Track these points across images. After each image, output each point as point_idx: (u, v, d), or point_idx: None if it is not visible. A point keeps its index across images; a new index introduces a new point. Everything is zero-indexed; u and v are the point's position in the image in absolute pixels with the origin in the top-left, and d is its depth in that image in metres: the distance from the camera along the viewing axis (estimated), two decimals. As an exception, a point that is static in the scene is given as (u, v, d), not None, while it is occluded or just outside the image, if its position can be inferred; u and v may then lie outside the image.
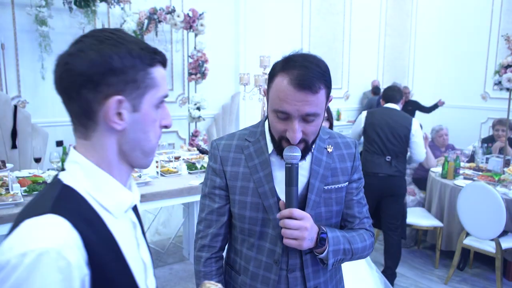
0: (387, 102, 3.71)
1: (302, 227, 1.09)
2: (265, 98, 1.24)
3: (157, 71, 0.83)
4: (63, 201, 0.75)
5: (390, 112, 3.61)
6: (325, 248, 1.16)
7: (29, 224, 0.70)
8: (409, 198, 4.38)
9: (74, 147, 0.83)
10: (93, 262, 0.72)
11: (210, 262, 1.29)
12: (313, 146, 1.23)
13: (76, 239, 0.71)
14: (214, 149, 1.27)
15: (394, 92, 3.73)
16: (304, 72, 1.05)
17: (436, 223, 3.92)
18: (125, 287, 0.82)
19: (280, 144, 1.15)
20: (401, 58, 8.51)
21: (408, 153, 3.69)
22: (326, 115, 3.10)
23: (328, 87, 1.10)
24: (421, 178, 4.62)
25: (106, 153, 0.81)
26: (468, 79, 8.05)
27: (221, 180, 1.25)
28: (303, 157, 1.15)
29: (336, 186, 1.25)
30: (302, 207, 1.19)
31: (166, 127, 0.87)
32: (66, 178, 0.79)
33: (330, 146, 1.26)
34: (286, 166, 1.12)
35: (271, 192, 1.19)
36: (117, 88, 0.77)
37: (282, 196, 1.20)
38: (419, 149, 3.53)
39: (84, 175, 0.79)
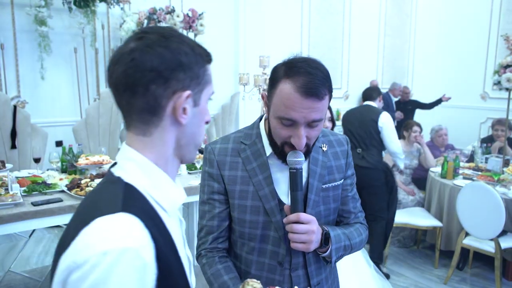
0: (365, 100, 4.05)
1: (309, 231, 1.10)
2: (263, 101, 1.22)
3: (210, 69, 0.87)
4: (131, 199, 0.74)
5: (363, 108, 3.97)
6: (328, 247, 1.18)
7: (103, 222, 0.69)
8: (408, 198, 4.39)
9: (128, 144, 0.82)
10: (160, 261, 0.72)
11: (212, 261, 1.26)
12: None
13: (148, 238, 0.70)
14: (210, 153, 1.24)
15: (370, 91, 4.06)
16: (310, 79, 1.04)
17: (435, 223, 3.93)
18: (182, 285, 0.82)
19: (282, 149, 1.14)
20: (401, 58, 8.51)
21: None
22: (329, 115, 3.16)
23: (331, 92, 1.11)
24: (421, 178, 4.63)
25: (165, 148, 0.81)
26: (468, 79, 8.05)
27: (219, 185, 1.24)
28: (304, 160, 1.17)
29: (333, 184, 1.26)
30: (303, 207, 1.20)
31: (207, 122, 0.90)
32: (125, 176, 0.78)
33: (324, 144, 1.27)
34: (291, 172, 1.12)
35: (272, 195, 1.19)
36: (184, 83, 0.79)
37: (283, 197, 1.21)
38: (387, 141, 3.72)
39: (142, 173, 0.79)
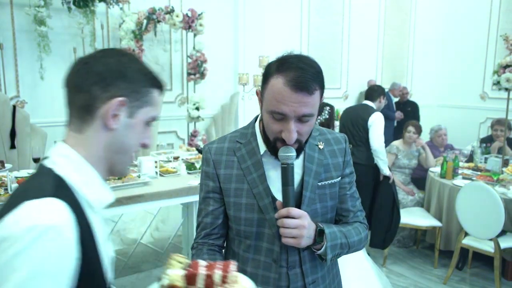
0: (365, 99, 4.18)
1: (300, 226, 1.10)
2: (258, 98, 1.24)
3: (156, 94, 0.96)
4: (60, 188, 0.82)
5: (359, 107, 4.18)
6: (323, 244, 1.17)
7: (32, 204, 0.76)
8: (408, 198, 4.39)
9: (63, 140, 0.91)
10: (81, 246, 0.79)
11: (200, 251, 1.28)
12: (306, 145, 1.25)
13: (73, 221, 0.78)
14: (206, 153, 1.29)
15: (371, 91, 4.17)
16: (300, 74, 1.06)
17: (435, 223, 3.93)
18: (98, 275, 0.87)
19: (274, 144, 1.16)
20: (400, 57, 8.52)
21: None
22: (328, 116, 3.15)
23: (322, 87, 1.13)
24: (420, 178, 4.63)
25: (95, 148, 0.90)
26: (467, 79, 8.06)
27: (214, 183, 1.27)
28: (297, 156, 1.17)
29: (330, 181, 1.27)
30: (298, 205, 1.21)
31: (145, 145, 0.98)
32: (57, 168, 0.86)
33: (321, 142, 1.28)
34: (282, 167, 1.13)
35: (266, 192, 1.20)
36: (123, 92, 0.88)
37: (277, 195, 1.21)
38: (371, 137, 3.90)
39: (73, 168, 0.87)
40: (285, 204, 1.12)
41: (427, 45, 8.64)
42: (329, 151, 1.29)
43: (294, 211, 1.11)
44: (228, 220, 1.30)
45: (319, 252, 1.19)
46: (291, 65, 1.08)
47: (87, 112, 0.88)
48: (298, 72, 1.06)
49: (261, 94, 1.18)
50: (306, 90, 1.06)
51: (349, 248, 1.25)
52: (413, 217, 4.00)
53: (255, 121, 1.29)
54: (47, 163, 0.88)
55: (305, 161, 1.24)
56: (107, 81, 0.87)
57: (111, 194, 0.93)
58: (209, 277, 0.91)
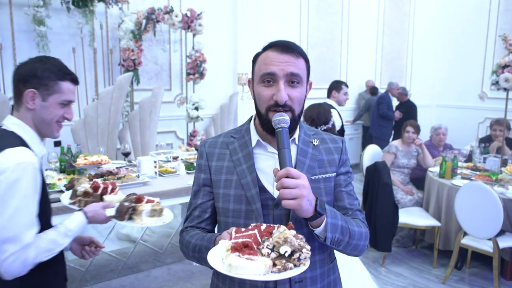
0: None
1: (300, 185, 1.04)
2: (249, 88, 1.28)
3: (65, 84, 1.52)
4: (22, 142, 1.44)
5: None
6: (322, 220, 1.11)
7: (13, 150, 1.37)
8: (407, 198, 4.39)
9: (11, 115, 1.51)
10: (41, 174, 1.45)
11: (191, 230, 1.29)
12: (299, 139, 1.25)
13: (37, 160, 1.41)
14: (201, 146, 1.32)
15: (328, 88, 4.42)
16: (284, 43, 1.19)
17: (434, 222, 3.93)
18: (46, 196, 1.52)
19: (267, 117, 1.17)
20: (399, 58, 8.53)
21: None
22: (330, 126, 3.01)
23: (307, 62, 1.22)
24: (419, 178, 4.64)
25: (28, 120, 1.49)
26: (466, 79, 8.08)
27: (206, 175, 1.28)
28: (291, 130, 1.17)
29: (324, 176, 1.25)
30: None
31: (67, 119, 1.55)
32: (16, 131, 1.46)
33: (316, 140, 1.29)
34: (277, 131, 1.13)
35: (253, 183, 1.20)
36: (34, 86, 1.46)
37: (267, 185, 1.21)
38: None
39: (24, 132, 1.47)
40: (282, 166, 1.08)
41: (425, 46, 8.66)
42: (324, 148, 1.29)
43: (292, 170, 1.05)
44: (216, 216, 1.30)
45: (317, 230, 1.12)
46: (275, 42, 1.21)
47: (18, 98, 1.48)
48: (282, 42, 1.19)
49: (252, 80, 1.24)
50: (292, 51, 1.16)
51: (350, 236, 1.16)
52: (412, 217, 4.00)
53: (250, 120, 1.32)
54: (7, 127, 1.47)
55: (298, 154, 1.24)
56: (25, 79, 1.46)
57: (44, 149, 1.54)
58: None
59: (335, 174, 1.28)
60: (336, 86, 4.37)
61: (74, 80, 1.55)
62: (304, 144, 1.27)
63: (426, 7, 8.58)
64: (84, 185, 2.01)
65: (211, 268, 1.15)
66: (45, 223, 1.48)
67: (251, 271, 0.92)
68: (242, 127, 1.32)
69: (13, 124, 1.47)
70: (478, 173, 4.15)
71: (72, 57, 4.90)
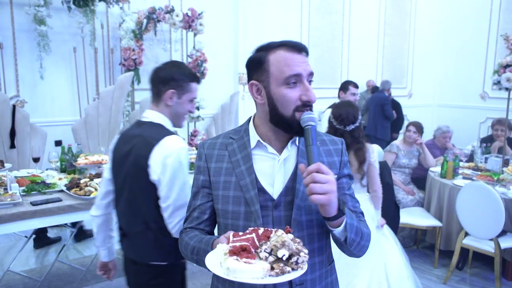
0: None
1: (330, 181, 1.04)
2: (251, 91, 1.24)
3: (193, 85, 1.81)
4: (169, 131, 1.76)
5: None
6: (342, 220, 1.11)
7: (170, 138, 1.70)
8: (408, 198, 4.39)
9: (150, 109, 1.82)
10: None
11: (190, 231, 1.28)
12: (299, 140, 1.24)
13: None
14: (200, 147, 1.31)
15: None
16: (292, 41, 1.19)
17: (435, 223, 3.93)
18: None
19: (294, 118, 1.16)
20: (400, 57, 8.51)
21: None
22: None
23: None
24: (420, 178, 4.63)
25: (165, 114, 1.80)
26: (467, 79, 8.06)
27: (204, 177, 1.27)
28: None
29: None
30: (292, 199, 1.18)
31: (191, 112, 1.86)
32: (162, 123, 1.79)
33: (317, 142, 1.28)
34: (306, 128, 1.13)
35: (252, 185, 1.19)
36: (173, 87, 1.76)
37: (267, 187, 1.20)
38: None
39: (165, 123, 1.79)
40: (310, 163, 1.08)
41: (427, 45, 8.64)
42: (325, 150, 1.28)
43: (323, 166, 1.05)
44: (215, 218, 1.29)
45: (336, 230, 1.12)
46: (283, 41, 1.20)
47: (158, 96, 1.78)
48: (289, 41, 1.19)
49: (259, 82, 1.19)
50: (305, 51, 1.19)
51: (361, 237, 1.17)
52: (413, 217, 3.99)
53: (249, 120, 1.30)
54: (153, 120, 1.78)
55: (299, 156, 1.23)
56: (164, 81, 1.76)
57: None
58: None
59: (336, 176, 1.25)
60: (343, 87, 4.35)
61: (199, 81, 1.86)
62: (304, 145, 1.26)
63: (428, 7, 8.55)
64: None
65: (210, 271, 1.16)
66: None
67: (249, 274, 0.92)
68: (241, 128, 1.30)
69: (157, 117, 1.78)
70: (479, 173, 4.14)
71: (73, 57, 4.90)
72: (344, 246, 1.16)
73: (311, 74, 1.18)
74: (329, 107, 4.70)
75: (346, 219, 1.12)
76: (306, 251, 0.98)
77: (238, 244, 0.97)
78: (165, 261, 1.76)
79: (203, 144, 1.31)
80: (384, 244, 2.99)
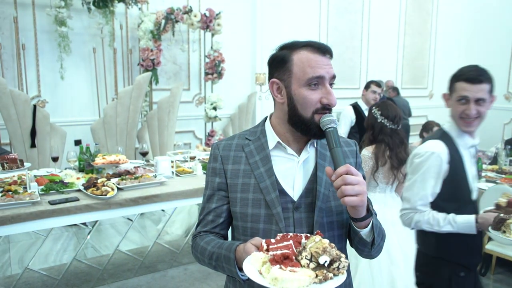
0: None
1: (361, 182, 1.04)
2: (271, 89, 1.23)
3: (459, 84, 1.81)
4: (444, 136, 1.82)
5: None
6: (369, 221, 1.12)
7: (430, 141, 1.80)
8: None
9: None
10: (449, 165, 1.79)
11: (205, 235, 1.25)
12: (317, 142, 1.24)
13: (445, 150, 1.78)
14: (215, 149, 1.27)
15: None
16: (318, 43, 1.17)
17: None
18: (463, 183, 1.81)
19: (313, 120, 1.15)
20: (421, 58, 8.35)
21: None
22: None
23: None
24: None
25: (451, 119, 1.86)
26: (491, 79, 7.84)
27: (221, 179, 1.24)
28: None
29: None
30: (313, 200, 1.17)
31: (468, 116, 1.76)
32: (445, 128, 1.86)
33: None
34: (328, 130, 1.12)
35: (273, 187, 1.17)
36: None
37: (287, 189, 1.18)
38: None
39: (449, 127, 1.86)
40: (337, 164, 1.07)
41: (449, 45, 8.45)
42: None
43: (352, 167, 1.05)
44: (231, 221, 1.27)
45: (365, 230, 1.12)
46: (302, 41, 1.18)
47: None
48: (314, 42, 1.16)
49: (280, 81, 1.18)
50: (329, 53, 1.16)
51: (381, 238, 1.19)
52: (433, 220, 3.90)
53: (265, 120, 1.28)
54: (444, 127, 1.86)
55: (318, 157, 1.22)
56: None
57: (472, 140, 1.83)
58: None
59: None
60: (366, 85, 4.47)
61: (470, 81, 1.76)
62: (322, 147, 1.24)
63: (450, 5, 8.37)
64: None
65: (230, 276, 1.15)
66: (453, 202, 1.80)
67: (296, 283, 0.91)
68: (257, 129, 1.28)
69: (447, 122, 1.85)
70: (503, 176, 4.01)
71: (92, 57, 4.96)
72: (368, 247, 1.16)
73: (334, 77, 1.16)
74: (350, 105, 4.67)
75: (373, 220, 1.13)
76: (344, 255, 0.97)
77: (279, 252, 0.96)
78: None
79: (218, 145, 1.28)
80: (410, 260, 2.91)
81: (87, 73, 5.00)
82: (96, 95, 5.03)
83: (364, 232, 1.13)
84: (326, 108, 1.14)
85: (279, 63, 1.17)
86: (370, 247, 1.16)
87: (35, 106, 4.06)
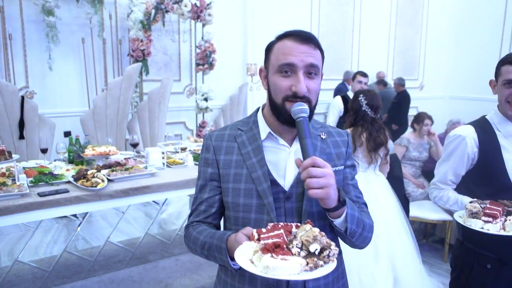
0: None
1: (327, 174, 1.04)
2: (260, 76, 1.26)
3: (505, 68, 1.79)
4: (481, 122, 1.83)
5: None
6: (343, 211, 1.11)
7: (462, 126, 1.86)
8: (418, 191, 4.33)
9: None
10: (480, 150, 1.78)
11: (198, 225, 1.27)
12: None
13: (474, 135, 1.79)
14: (207, 139, 1.28)
15: None
16: (302, 32, 1.16)
17: (445, 216, 3.87)
18: (498, 171, 1.74)
19: (283, 107, 1.15)
20: (412, 49, 8.38)
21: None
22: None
23: (322, 54, 1.19)
24: (431, 171, 4.55)
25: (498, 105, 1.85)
26: (481, 70, 7.88)
27: (213, 169, 1.25)
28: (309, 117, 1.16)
29: (334, 169, 1.22)
30: (302, 190, 1.18)
31: None
32: (486, 114, 1.86)
33: (323, 133, 1.28)
34: (297, 120, 1.11)
35: (264, 177, 1.18)
36: None
37: (278, 179, 1.19)
38: None
39: (491, 114, 1.84)
40: (306, 156, 1.07)
41: (440, 36, 8.48)
42: (332, 141, 1.28)
43: (318, 159, 1.05)
44: (224, 211, 1.28)
45: (337, 221, 1.13)
46: (291, 31, 1.18)
47: None
48: (299, 32, 1.16)
49: (265, 68, 1.21)
50: (311, 42, 1.14)
51: (363, 228, 1.18)
52: (423, 210, 3.94)
53: (258, 111, 1.29)
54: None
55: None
56: None
57: None
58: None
59: (343, 167, 1.27)
60: (353, 76, 4.70)
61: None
62: (314, 138, 1.24)
63: (441, -3, 8.39)
64: None
65: (222, 265, 1.17)
66: (486, 187, 1.77)
67: (288, 271, 0.92)
68: (249, 119, 1.29)
69: (492, 109, 1.84)
70: (492, 166, 4.06)
71: (81, 48, 4.90)
72: (346, 237, 1.16)
73: (312, 66, 1.13)
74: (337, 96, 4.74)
75: (347, 209, 1.12)
76: (334, 243, 0.99)
77: (270, 241, 0.97)
78: None
79: (210, 136, 1.28)
80: (393, 233, 3.05)
81: (76, 63, 4.94)
82: (86, 86, 4.98)
83: (338, 222, 1.13)
84: (296, 96, 1.13)
85: (266, 52, 1.21)
86: (347, 237, 1.15)
87: (23, 97, 4.01)
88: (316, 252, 0.96)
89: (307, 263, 0.94)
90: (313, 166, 1.04)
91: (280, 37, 1.18)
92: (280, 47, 1.16)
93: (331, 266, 0.96)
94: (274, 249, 0.95)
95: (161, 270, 3.45)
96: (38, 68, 4.71)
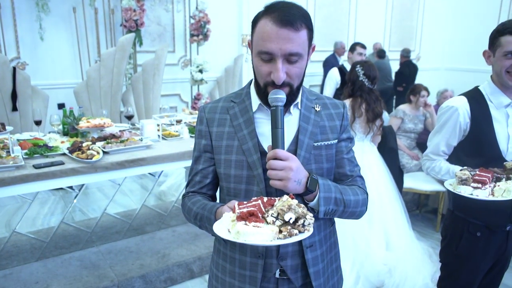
0: None
1: (286, 167, 1.07)
2: (249, 49, 1.23)
3: (504, 38, 1.70)
4: (475, 93, 1.83)
5: None
6: (315, 195, 1.14)
7: (455, 97, 1.85)
8: (412, 162, 4.36)
9: None
10: (471, 119, 1.80)
11: (193, 196, 1.31)
12: (301, 104, 1.23)
13: (466, 106, 1.79)
14: (201, 111, 1.30)
15: None
16: (284, 11, 1.08)
17: (438, 187, 3.92)
18: (489, 141, 1.76)
19: (265, 90, 1.15)
20: (409, 19, 8.25)
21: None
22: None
23: (310, 29, 1.13)
24: (425, 143, 4.57)
25: (493, 77, 1.84)
26: (478, 41, 7.78)
27: (206, 141, 1.27)
28: (289, 103, 1.16)
29: (326, 143, 1.24)
30: (283, 146, 1.18)
31: None
32: (479, 85, 1.84)
33: (317, 105, 1.27)
34: (271, 109, 1.11)
35: (255, 148, 1.19)
36: (488, 47, 1.83)
37: (269, 151, 1.19)
38: None
39: (484, 85, 1.85)
40: (274, 146, 1.10)
41: (437, 5, 8.35)
42: (326, 114, 1.27)
43: (280, 152, 1.08)
44: (218, 182, 1.31)
45: (311, 204, 1.16)
46: (276, 6, 1.10)
47: None
48: (282, 10, 1.08)
49: (251, 43, 1.18)
50: (291, 25, 1.07)
51: (345, 206, 1.20)
52: (417, 181, 3.99)
53: (251, 83, 1.28)
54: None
55: (300, 120, 1.22)
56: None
57: (507, 99, 1.77)
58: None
59: (336, 140, 1.27)
60: (351, 48, 4.68)
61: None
62: (306, 109, 1.24)
63: (440, -35, 8.21)
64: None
65: (214, 235, 1.19)
66: (477, 158, 1.78)
67: (259, 237, 0.95)
68: (242, 91, 1.28)
69: (485, 80, 1.82)
70: None
71: (72, 17, 4.78)
72: (323, 216, 1.19)
73: (291, 54, 1.09)
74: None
75: (319, 193, 1.14)
76: (311, 214, 1.01)
77: (245, 210, 1.00)
78: None
79: (204, 108, 1.29)
80: (385, 201, 3.22)
81: (68, 34, 4.83)
82: (78, 57, 4.89)
83: (312, 204, 1.16)
84: (275, 84, 1.12)
85: (252, 25, 1.16)
86: (324, 217, 1.18)
87: (14, 68, 3.94)
88: (291, 221, 0.98)
89: (281, 231, 0.97)
90: (275, 159, 1.07)
91: (265, 12, 1.11)
92: (261, 29, 1.10)
93: (306, 234, 0.99)
94: (248, 217, 0.98)
95: (158, 241, 3.49)
96: (29, 38, 4.61)
